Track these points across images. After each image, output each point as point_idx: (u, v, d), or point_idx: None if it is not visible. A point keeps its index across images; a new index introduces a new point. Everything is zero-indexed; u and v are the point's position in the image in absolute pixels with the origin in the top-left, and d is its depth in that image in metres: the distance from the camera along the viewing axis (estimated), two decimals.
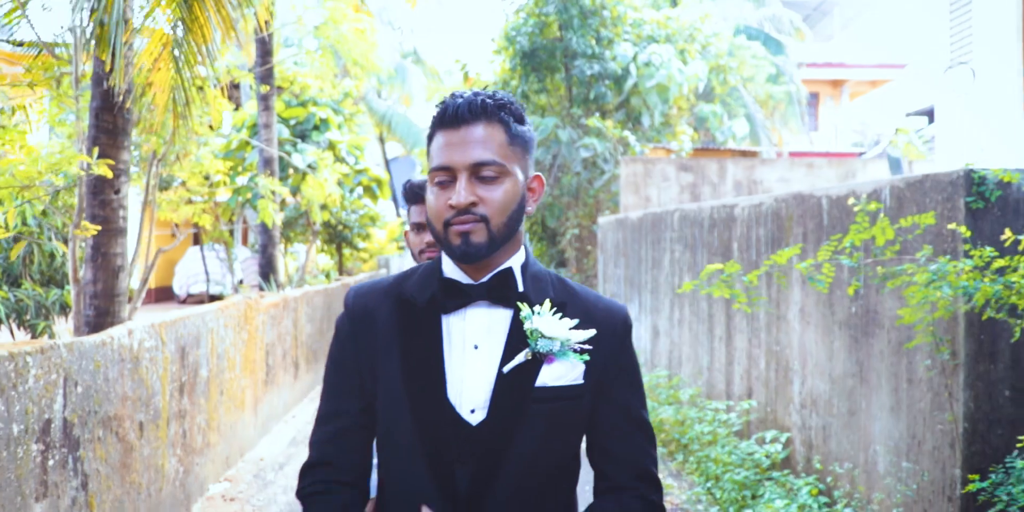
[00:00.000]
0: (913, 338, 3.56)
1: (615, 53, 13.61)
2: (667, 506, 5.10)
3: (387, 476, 1.43)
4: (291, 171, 13.70)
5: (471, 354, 1.36)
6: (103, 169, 4.12)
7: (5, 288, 8.65)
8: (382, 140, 27.51)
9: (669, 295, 7.67)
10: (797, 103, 20.08)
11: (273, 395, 7.11)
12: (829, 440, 4.56)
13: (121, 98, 5.10)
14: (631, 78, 13.59)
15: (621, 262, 9.78)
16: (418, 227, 2.60)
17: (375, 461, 2.38)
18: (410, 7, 12.50)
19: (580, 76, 13.73)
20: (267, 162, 10.95)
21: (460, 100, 1.38)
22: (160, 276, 18.86)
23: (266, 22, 8.55)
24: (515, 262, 1.41)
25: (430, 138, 1.40)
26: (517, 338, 1.36)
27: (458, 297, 1.37)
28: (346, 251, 18.02)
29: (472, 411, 1.34)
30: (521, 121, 1.43)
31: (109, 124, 5.42)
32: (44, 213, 8.63)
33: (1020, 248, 2.92)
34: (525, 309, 1.34)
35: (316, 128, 14.62)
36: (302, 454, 6.35)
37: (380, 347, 1.38)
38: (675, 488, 5.42)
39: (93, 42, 4.99)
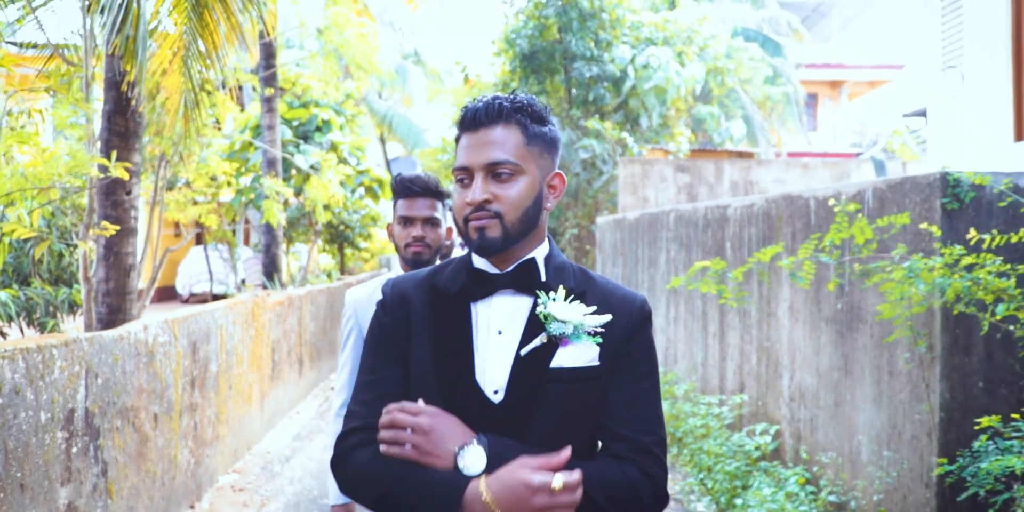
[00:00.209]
0: (893, 333, 3.74)
1: (614, 55, 13.79)
2: None
3: None
4: (294, 172, 13.88)
5: (495, 339, 1.47)
6: (120, 171, 4.29)
7: (15, 286, 8.84)
8: (383, 140, 27.69)
9: (665, 293, 7.85)
10: (795, 104, 20.25)
11: (279, 391, 7.29)
12: (816, 431, 4.74)
13: (135, 102, 5.28)
14: (629, 80, 13.77)
15: (619, 261, 9.96)
16: (405, 221, 2.57)
17: None
18: (411, 9, 12.69)
19: (579, 78, 13.91)
20: (270, 163, 11.13)
21: (480, 104, 1.50)
22: (163, 276, 19.04)
23: (272, 27, 8.73)
24: (539, 253, 1.52)
25: (456, 140, 1.55)
26: (536, 324, 1.46)
27: (485, 285, 1.49)
28: (348, 251, 18.19)
29: (496, 392, 1.44)
30: (541, 122, 1.52)
31: (121, 127, 5.60)
32: (52, 214, 8.80)
33: (984, 246, 3.10)
34: (543, 296, 1.46)
35: (318, 129, 14.78)
36: (307, 448, 6.53)
37: (414, 331, 1.50)
38: (669, 480, 5.59)
39: (108, 50, 5.16)
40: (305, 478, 5.71)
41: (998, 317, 2.94)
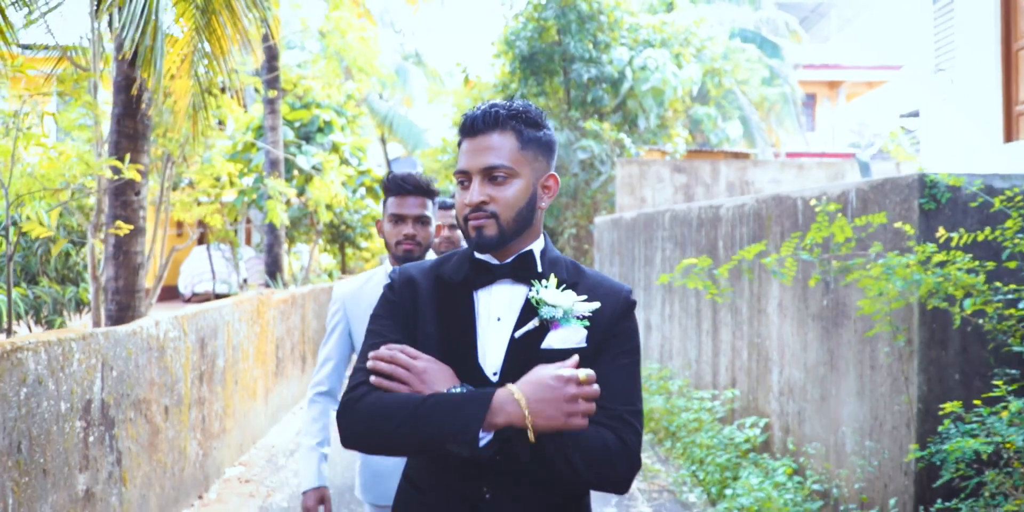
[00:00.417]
0: (873, 328, 3.90)
1: (612, 57, 13.96)
2: (655, 488, 5.45)
3: None
4: (296, 172, 14.05)
5: (494, 325, 1.61)
6: (133, 173, 4.45)
7: (24, 285, 9.01)
8: (383, 141, 27.84)
9: (661, 292, 8.02)
10: (792, 104, 20.42)
11: (282, 386, 7.46)
12: (803, 424, 4.90)
13: (145, 105, 5.44)
14: (627, 81, 13.93)
15: (616, 260, 10.13)
16: (396, 219, 2.58)
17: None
18: (412, 11, 12.86)
19: (578, 79, 14.08)
20: (273, 163, 11.31)
21: (478, 112, 1.62)
22: (166, 275, 19.16)
23: (275, 31, 8.90)
24: (535, 247, 1.66)
25: (459, 144, 1.69)
26: (530, 310, 1.60)
27: (486, 275, 1.63)
28: (348, 250, 18.37)
29: (494, 373, 1.57)
30: (536, 127, 1.63)
31: (130, 129, 5.75)
32: (60, 214, 8.97)
33: (952, 244, 3.26)
34: (536, 284, 1.61)
35: (320, 130, 14.95)
36: None
37: (420, 311, 1.64)
38: (662, 472, 5.76)
39: (118, 55, 5.33)
40: None
41: (968, 311, 3.10)
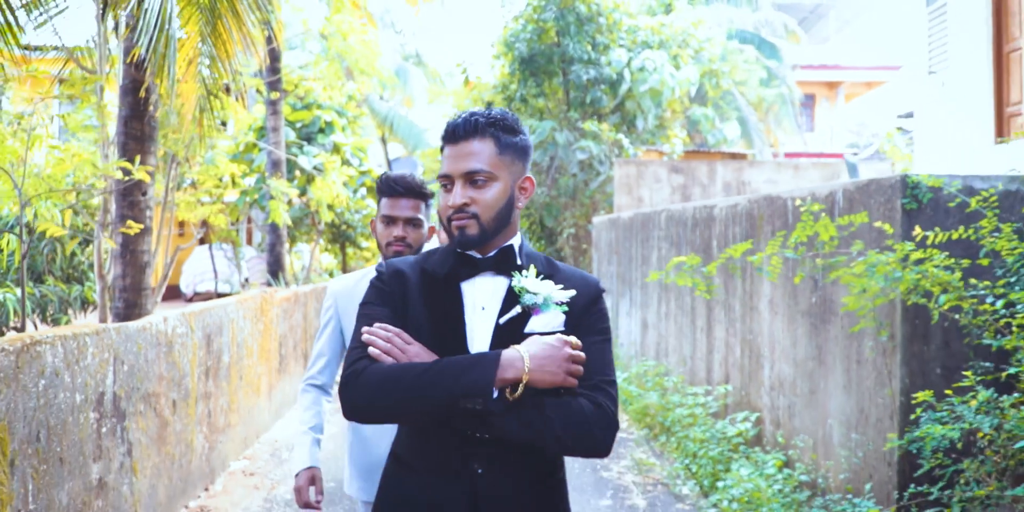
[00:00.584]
0: (858, 323, 4.04)
1: (610, 58, 14.10)
2: (650, 482, 5.59)
3: None
4: (297, 172, 14.19)
5: (479, 313, 1.75)
6: (143, 174, 4.59)
7: (30, 284, 9.15)
8: (384, 141, 27.97)
9: (657, 291, 8.15)
10: (790, 105, 20.55)
11: (285, 383, 7.59)
12: (793, 418, 5.04)
13: (152, 107, 5.58)
14: (625, 83, 14.07)
15: (614, 260, 10.27)
16: (387, 220, 2.59)
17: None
18: (413, 13, 12.99)
19: (577, 81, 14.22)
20: (275, 164, 11.45)
21: (459, 120, 1.75)
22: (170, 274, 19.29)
23: (278, 34, 9.04)
24: (514, 242, 1.80)
25: (441, 150, 1.83)
26: (512, 299, 1.75)
27: (470, 268, 1.77)
28: (349, 250, 18.50)
29: None
30: (513, 133, 1.76)
31: (137, 131, 5.89)
32: (43, 214, 9.06)
33: (928, 242, 3.40)
34: (517, 274, 1.76)
35: (321, 131, 15.08)
36: None
37: (410, 303, 1.78)
38: (657, 466, 5.90)
39: (126, 59, 5.47)
40: None
41: (945, 307, 3.23)
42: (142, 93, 5.53)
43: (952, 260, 3.22)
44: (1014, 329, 3.01)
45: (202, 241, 19.55)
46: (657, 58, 14.06)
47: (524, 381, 1.60)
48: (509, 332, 1.73)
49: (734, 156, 14.59)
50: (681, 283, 4.22)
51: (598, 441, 1.66)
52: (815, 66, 27.15)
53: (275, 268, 11.71)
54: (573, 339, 1.66)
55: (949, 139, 9.40)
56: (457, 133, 1.76)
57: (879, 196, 4.06)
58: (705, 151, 14.77)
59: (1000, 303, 3.00)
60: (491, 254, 1.79)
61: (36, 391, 3.06)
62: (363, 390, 1.64)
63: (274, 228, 11.50)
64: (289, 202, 12.33)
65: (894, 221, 3.89)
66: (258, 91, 11.15)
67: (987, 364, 3.34)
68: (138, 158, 5.12)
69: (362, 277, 2.69)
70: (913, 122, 14.04)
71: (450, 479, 1.71)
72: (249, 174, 14.29)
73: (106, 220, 6.83)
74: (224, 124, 12.63)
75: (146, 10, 4.21)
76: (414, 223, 2.58)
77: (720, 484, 4.95)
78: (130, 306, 6.01)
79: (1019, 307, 2.99)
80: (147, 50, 4.35)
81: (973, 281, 3.36)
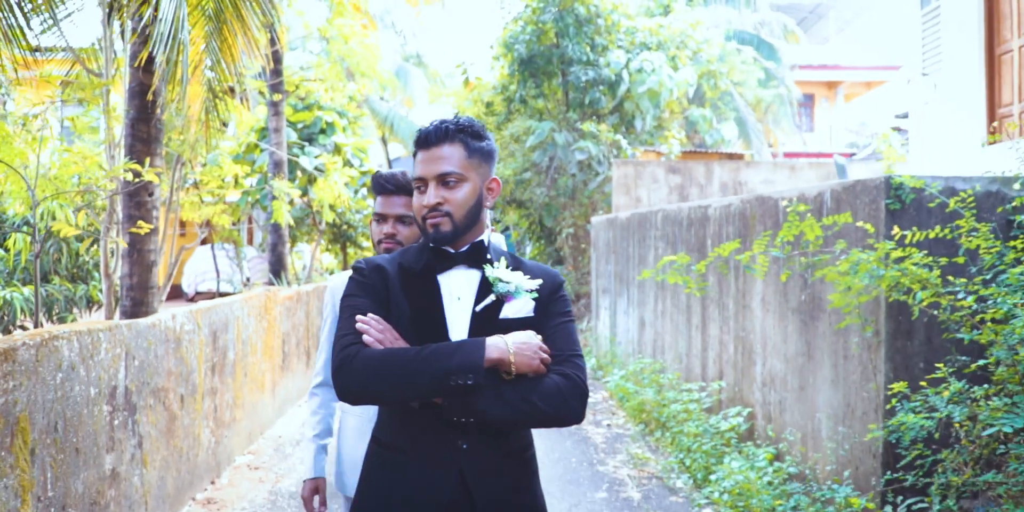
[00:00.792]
0: (844, 320, 4.17)
1: (609, 60, 14.23)
2: (645, 475, 5.73)
3: None
4: (299, 173, 14.32)
5: (456, 303, 1.92)
6: (151, 176, 4.73)
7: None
8: (384, 141, 28.10)
9: (654, 289, 8.29)
10: (789, 105, 20.68)
11: (288, 380, 7.73)
12: (784, 413, 5.18)
13: (160, 110, 5.72)
14: (624, 84, 14.20)
15: (612, 259, 10.40)
16: (379, 217, 2.63)
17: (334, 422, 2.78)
18: (414, 14, 13.12)
19: (576, 82, 14.35)
20: (277, 164, 11.59)
21: (431, 127, 1.92)
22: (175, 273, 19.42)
23: (281, 36, 9.18)
24: (483, 238, 1.97)
25: (414, 155, 2.00)
26: (485, 289, 1.93)
27: (446, 261, 1.94)
28: (350, 250, 18.65)
29: None
30: (479, 138, 1.94)
31: (144, 133, 6.03)
32: (56, 214, 9.22)
33: (906, 241, 3.53)
34: (489, 267, 1.94)
35: (323, 131, 15.22)
36: None
37: (391, 295, 1.94)
38: (652, 460, 6.04)
39: (134, 63, 5.61)
40: None
41: (924, 303, 3.37)
42: (149, 96, 5.66)
43: (931, 258, 3.35)
44: (989, 324, 3.14)
45: (204, 241, 19.70)
46: (655, 59, 14.19)
47: (512, 361, 1.78)
48: (485, 319, 1.91)
49: (731, 156, 14.72)
50: (672, 281, 4.35)
51: (572, 409, 1.83)
52: (814, 66, 27.26)
53: (277, 268, 11.85)
54: (539, 337, 1.86)
55: (943, 140, 9.53)
56: (430, 139, 1.92)
57: (864, 197, 4.20)
58: (703, 152, 14.91)
59: (971, 299, 3.13)
60: (464, 249, 1.96)
61: (54, 384, 3.20)
62: (358, 373, 1.78)
63: (276, 228, 11.63)
64: (291, 202, 12.48)
65: (878, 221, 4.02)
66: (261, 93, 11.30)
67: (964, 358, 3.47)
68: (148, 160, 5.26)
69: None
70: (908, 123, 14.18)
71: (438, 456, 1.86)
72: (251, 174, 14.43)
73: (112, 220, 6.97)
74: (225, 125, 12.78)
75: (161, 19, 4.34)
76: (405, 220, 2.62)
77: (712, 477, 5.09)
78: (137, 304, 6.15)
79: (990, 302, 3.12)
80: (164, 59, 4.49)
81: (952, 278, 3.50)
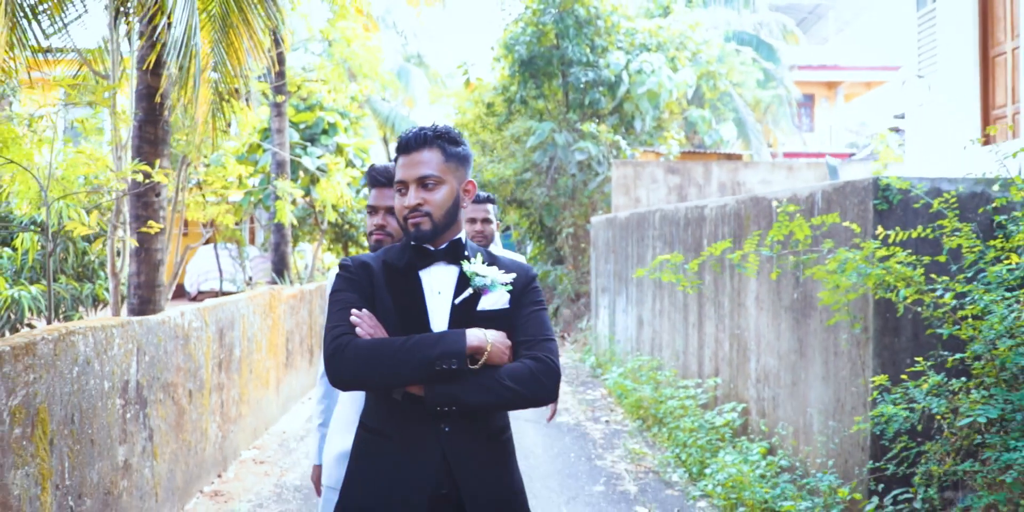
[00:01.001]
0: (833, 317, 4.30)
1: (608, 61, 14.35)
2: (642, 469, 5.85)
3: None
4: (301, 173, 14.45)
5: (436, 297, 2.07)
6: (161, 177, 4.85)
7: (43, 282, 9.42)
8: (386, 141, 28.22)
9: (652, 288, 8.42)
10: (788, 106, 20.80)
11: (292, 377, 7.86)
12: (777, 408, 5.30)
13: (167, 112, 5.85)
14: (624, 85, 14.33)
15: (611, 258, 10.53)
16: (371, 210, 2.67)
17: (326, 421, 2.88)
18: (415, 14, 13.25)
19: (576, 83, 14.48)
20: (280, 165, 11.71)
21: (410, 134, 2.07)
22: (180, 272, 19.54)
23: (284, 39, 9.31)
24: (460, 236, 2.12)
25: (395, 160, 2.15)
26: (463, 283, 2.08)
27: (427, 258, 2.09)
28: (352, 249, 18.78)
29: None
30: (456, 144, 2.09)
31: (151, 135, 6.15)
32: (69, 214, 9.35)
33: (890, 241, 3.66)
34: (466, 263, 2.09)
35: (325, 132, 15.34)
36: None
37: (376, 290, 2.08)
38: (649, 455, 6.17)
39: (142, 66, 5.74)
40: None
41: (908, 301, 3.49)
42: (157, 99, 5.79)
43: (914, 257, 3.48)
44: (969, 319, 3.26)
45: (208, 241, 19.83)
46: (655, 60, 14.31)
47: (488, 350, 1.95)
48: (464, 311, 2.06)
49: (729, 157, 14.84)
50: (665, 279, 4.48)
51: (545, 388, 1.98)
52: (814, 66, 27.36)
53: (280, 267, 11.97)
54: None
55: (939, 141, 9.65)
56: (410, 145, 2.08)
57: (853, 197, 4.32)
58: (701, 152, 15.03)
59: (948, 295, 3.26)
60: (443, 246, 2.11)
61: (71, 377, 3.33)
62: (349, 362, 1.94)
63: (279, 228, 11.76)
64: (294, 202, 12.60)
65: (867, 221, 4.15)
66: (264, 94, 11.44)
67: (947, 353, 3.60)
68: (158, 162, 5.38)
69: None
70: (904, 123, 14.31)
71: (422, 440, 2.01)
72: (254, 175, 14.55)
73: (119, 220, 7.09)
74: (228, 125, 12.91)
75: (174, 26, 4.47)
76: (394, 212, 2.71)
77: (707, 471, 5.21)
78: (144, 302, 6.27)
79: (968, 299, 3.25)
80: (174, 64, 4.62)
81: (935, 276, 3.62)
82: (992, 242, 3.43)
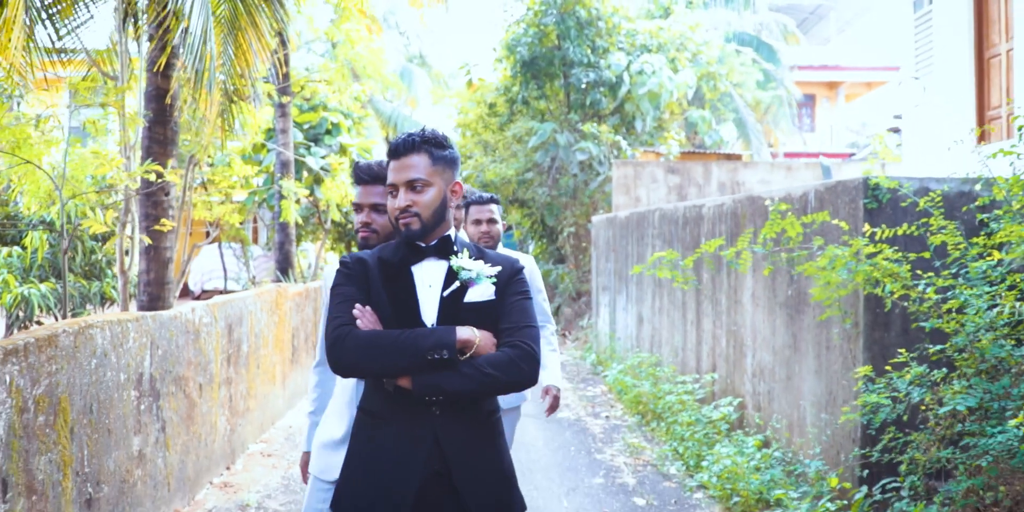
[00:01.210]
0: (825, 312, 4.43)
1: (610, 62, 14.49)
2: (640, 463, 5.99)
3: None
4: (304, 173, 14.60)
5: (427, 290, 2.22)
6: (173, 177, 4.99)
7: (52, 280, 9.56)
8: (388, 141, 28.36)
9: (651, 286, 8.55)
10: (788, 106, 20.91)
11: (297, 373, 8.00)
12: (772, 402, 5.44)
13: (177, 113, 5.98)
14: (624, 85, 14.46)
15: (611, 257, 10.67)
16: (356, 207, 2.71)
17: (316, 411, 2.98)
18: (418, 16, 13.38)
19: (577, 83, 14.62)
20: (284, 164, 11.85)
21: (400, 140, 2.22)
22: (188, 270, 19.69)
23: (289, 40, 9.45)
24: (450, 234, 2.26)
25: (387, 164, 2.30)
26: (451, 277, 2.22)
27: (418, 254, 2.23)
28: (355, 248, 18.93)
29: (432, 324, 2.18)
30: (443, 148, 2.23)
31: (160, 135, 6.29)
32: (83, 213, 9.50)
33: (876, 238, 3.79)
34: (454, 257, 2.23)
35: (328, 132, 15.48)
36: None
37: (372, 284, 2.24)
38: (647, 449, 6.30)
39: (153, 68, 5.88)
40: None
41: (895, 296, 3.62)
42: (168, 100, 5.93)
43: (900, 254, 3.61)
44: (953, 313, 3.40)
45: (214, 240, 19.96)
46: (655, 61, 14.44)
47: (477, 342, 2.11)
48: (452, 303, 2.21)
49: (729, 157, 14.97)
50: (661, 275, 4.62)
51: (524, 373, 2.13)
52: (815, 67, 27.45)
53: (284, 266, 12.11)
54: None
55: (934, 141, 9.77)
56: (399, 150, 2.22)
57: (844, 196, 4.46)
58: (701, 152, 15.16)
59: (930, 290, 3.39)
60: (433, 243, 2.26)
61: (89, 369, 3.47)
62: (350, 351, 2.10)
63: (283, 227, 11.90)
64: (297, 201, 12.74)
65: (857, 219, 4.28)
66: (269, 95, 11.59)
67: (932, 345, 3.73)
68: (170, 162, 5.52)
69: None
70: (902, 124, 14.43)
71: (416, 421, 2.16)
72: (258, 174, 14.69)
73: (127, 219, 7.23)
74: (230, 126, 13.04)
75: (192, 31, 4.61)
76: (380, 209, 2.69)
77: (704, 463, 5.35)
78: (154, 299, 6.41)
79: (950, 294, 3.38)
80: (190, 68, 4.75)
81: (920, 272, 3.76)
82: (975, 239, 3.56)
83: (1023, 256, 3.21)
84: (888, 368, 3.76)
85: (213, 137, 6.48)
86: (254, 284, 14.69)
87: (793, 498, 4.34)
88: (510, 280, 2.27)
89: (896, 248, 3.70)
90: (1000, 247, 3.54)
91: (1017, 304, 3.13)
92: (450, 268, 2.24)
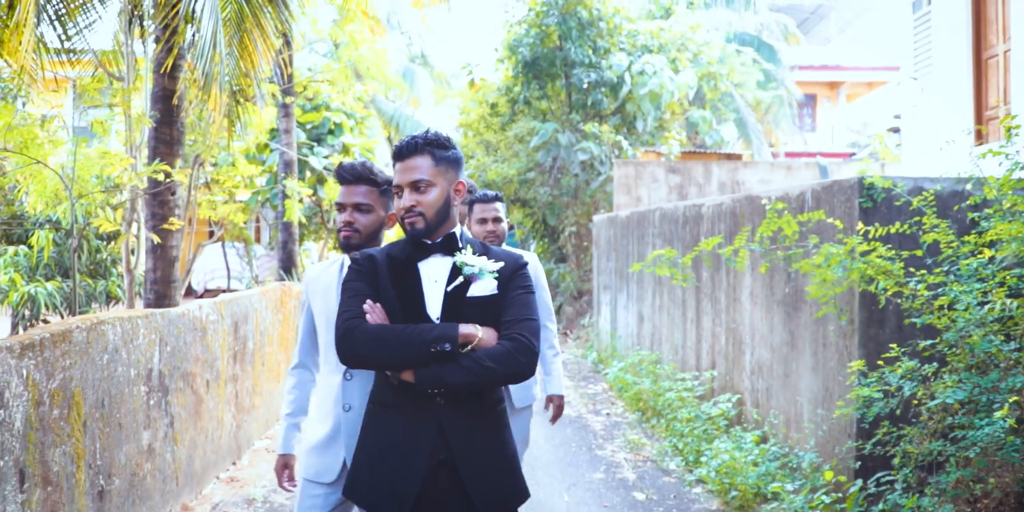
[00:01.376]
0: (821, 310, 4.51)
1: (611, 62, 14.58)
2: (640, 458, 6.07)
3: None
4: (308, 173, 14.69)
5: (432, 285, 2.31)
6: (181, 176, 5.07)
7: (59, 279, 9.66)
8: (390, 141, 28.44)
9: (652, 285, 8.63)
10: (788, 106, 20.98)
11: None
12: (770, 399, 5.52)
13: (183, 114, 6.07)
14: (626, 86, 14.55)
15: (612, 256, 10.75)
16: (339, 207, 2.71)
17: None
18: (420, 17, 13.46)
19: (578, 84, 14.71)
20: (287, 164, 11.95)
21: (404, 142, 2.31)
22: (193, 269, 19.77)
23: (293, 41, 9.54)
24: (455, 231, 2.34)
25: (393, 166, 2.39)
26: (455, 272, 2.31)
27: (424, 251, 2.32)
28: None
29: (437, 317, 2.27)
30: (445, 149, 2.31)
31: (167, 136, 6.39)
32: (89, 212, 9.58)
33: (869, 236, 3.87)
34: (458, 254, 2.32)
35: (331, 132, 15.57)
36: None
37: (380, 279, 2.32)
38: (648, 445, 6.38)
39: (159, 69, 5.97)
40: None
41: (889, 293, 3.70)
42: (174, 101, 6.01)
43: (893, 252, 3.69)
44: (944, 310, 3.48)
45: (218, 239, 20.05)
46: (656, 62, 14.52)
47: (480, 336, 2.19)
48: (456, 297, 2.30)
49: (729, 157, 15.05)
50: (660, 273, 4.70)
51: (521, 365, 2.20)
52: (816, 67, 27.49)
53: (287, 265, 12.20)
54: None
55: (933, 141, 9.83)
56: (403, 152, 2.32)
57: (840, 195, 4.54)
58: (702, 152, 15.24)
59: (921, 287, 3.47)
60: (438, 240, 2.35)
61: (101, 364, 3.56)
62: (360, 343, 2.19)
63: (287, 226, 11.99)
64: (300, 201, 12.83)
65: (852, 218, 4.36)
66: (272, 96, 11.68)
67: (925, 341, 3.81)
68: (178, 162, 5.61)
69: (330, 265, 2.81)
70: (901, 124, 14.49)
71: (421, 412, 2.25)
72: (261, 174, 14.78)
73: (133, 218, 7.32)
74: (234, 126, 13.15)
75: (201, 34, 4.70)
76: (361, 209, 2.69)
77: (703, 459, 5.43)
78: (160, 297, 6.51)
79: (941, 291, 3.46)
80: (200, 70, 4.84)
81: (913, 270, 3.84)
82: (966, 238, 3.64)
83: (1013, 254, 3.30)
84: (880, 362, 3.84)
85: (219, 137, 6.55)
86: (257, 283, 14.80)
87: (789, 492, 4.42)
88: (513, 275, 2.35)
89: (890, 246, 3.78)
90: (991, 245, 3.62)
91: (1007, 301, 3.21)
92: (455, 264, 2.32)
